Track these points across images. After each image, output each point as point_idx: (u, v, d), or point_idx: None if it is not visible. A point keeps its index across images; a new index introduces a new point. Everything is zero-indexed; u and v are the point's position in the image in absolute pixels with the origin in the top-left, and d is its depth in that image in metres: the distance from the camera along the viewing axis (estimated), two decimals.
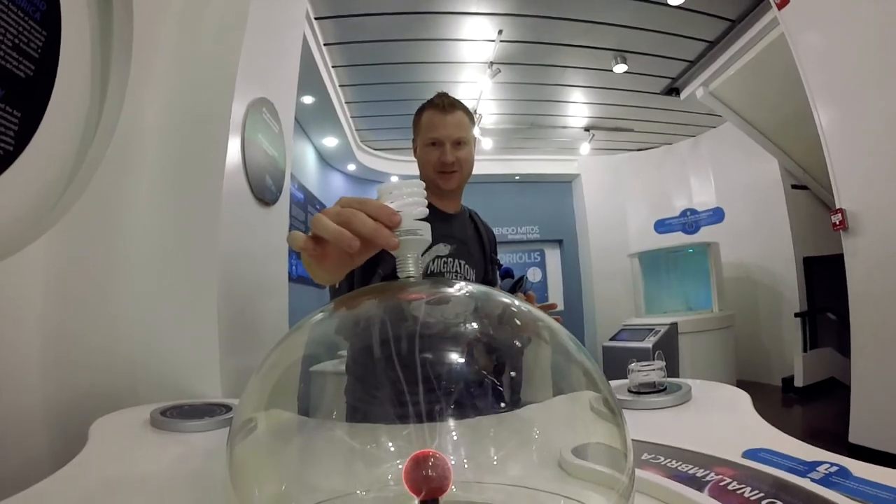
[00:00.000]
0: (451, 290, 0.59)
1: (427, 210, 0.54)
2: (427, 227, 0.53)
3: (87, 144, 1.41)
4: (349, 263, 0.61)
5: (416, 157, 1.52)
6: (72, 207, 1.33)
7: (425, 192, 0.54)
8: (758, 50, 4.52)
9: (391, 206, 0.52)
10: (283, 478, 0.50)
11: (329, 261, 0.59)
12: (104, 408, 1.24)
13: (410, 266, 0.52)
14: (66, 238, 1.37)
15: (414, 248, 0.53)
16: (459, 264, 1.44)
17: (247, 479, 0.46)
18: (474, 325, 0.51)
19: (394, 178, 6.32)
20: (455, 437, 0.45)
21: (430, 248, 1.40)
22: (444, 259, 1.42)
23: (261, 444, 0.49)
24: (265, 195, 2.08)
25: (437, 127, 1.42)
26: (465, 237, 1.52)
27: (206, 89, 1.86)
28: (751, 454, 0.72)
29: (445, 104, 1.44)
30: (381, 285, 0.60)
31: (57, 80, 1.27)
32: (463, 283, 0.58)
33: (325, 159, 6.78)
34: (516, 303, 0.53)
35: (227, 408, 1.25)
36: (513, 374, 0.47)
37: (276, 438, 0.51)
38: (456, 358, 0.47)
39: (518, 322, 0.53)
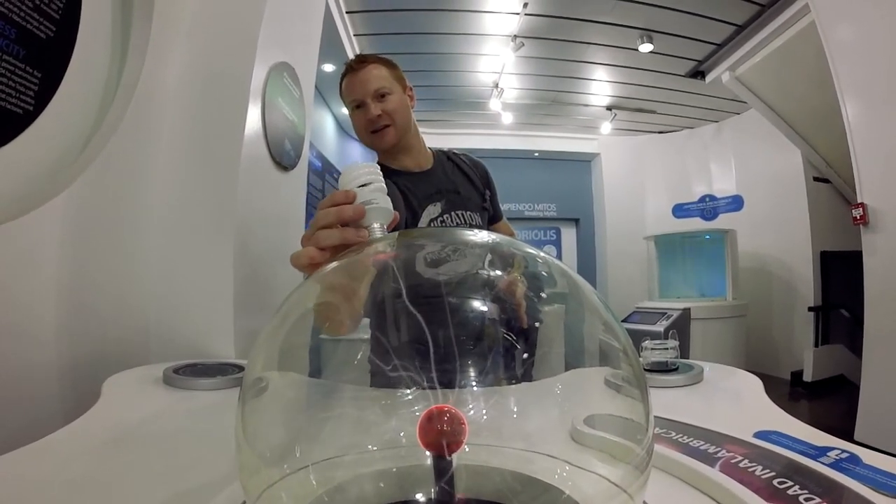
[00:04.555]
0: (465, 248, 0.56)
1: (382, 184, 0.60)
2: (380, 195, 0.60)
3: (106, 105, 1.41)
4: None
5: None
6: (89, 166, 1.34)
7: (377, 167, 0.61)
8: (787, 37, 4.38)
9: (349, 190, 0.59)
10: (294, 434, 0.50)
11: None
12: (117, 365, 1.27)
13: (376, 232, 0.59)
14: (84, 196, 1.39)
15: (373, 217, 0.59)
16: (459, 216, 1.37)
17: (257, 434, 0.46)
18: (494, 291, 0.48)
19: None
20: (472, 403, 0.44)
21: (423, 211, 1.31)
22: (441, 218, 1.34)
23: (272, 399, 0.48)
24: (284, 159, 2.08)
25: (353, 89, 1.33)
26: (452, 185, 1.42)
27: (228, 51, 1.86)
28: (762, 435, 0.72)
29: (355, 63, 1.35)
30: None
31: (77, 41, 1.27)
32: (482, 239, 0.56)
33: (343, 128, 6.73)
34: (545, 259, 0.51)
35: (240, 367, 1.26)
36: (533, 342, 0.46)
37: (287, 395, 0.51)
38: (474, 324, 0.45)
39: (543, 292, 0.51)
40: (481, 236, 0.56)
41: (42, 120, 1.18)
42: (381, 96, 1.32)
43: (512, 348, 0.44)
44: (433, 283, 0.46)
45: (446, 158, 1.48)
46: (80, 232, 1.40)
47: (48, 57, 1.19)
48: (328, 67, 4.90)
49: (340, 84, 1.38)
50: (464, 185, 1.45)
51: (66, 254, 1.35)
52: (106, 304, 1.52)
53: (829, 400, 4.78)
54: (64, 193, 1.28)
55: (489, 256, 0.51)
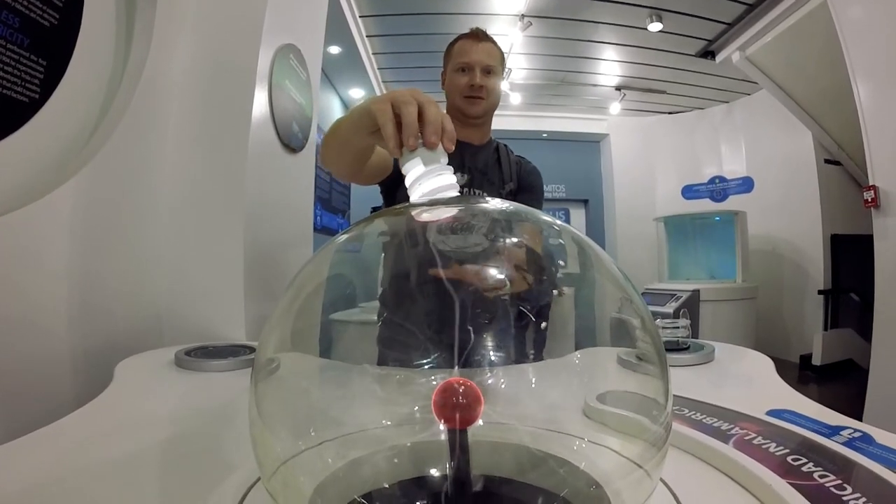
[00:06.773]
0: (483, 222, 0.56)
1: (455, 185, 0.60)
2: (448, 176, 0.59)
3: (112, 92, 1.41)
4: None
5: (443, 88, 1.52)
6: (97, 154, 1.34)
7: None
8: (798, 16, 4.30)
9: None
10: (308, 410, 0.50)
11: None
12: (130, 352, 1.27)
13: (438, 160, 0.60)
14: (91, 184, 1.38)
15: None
16: (476, 194, 1.44)
17: (271, 411, 0.46)
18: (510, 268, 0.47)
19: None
20: (487, 377, 0.44)
21: None
22: (459, 191, 1.38)
23: (286, 376, 0.48)
24: (291, 141, 2.07)
25: (468, 52, 1.44)
26: (484, 167, 1.51)
27: (234, 34, 1.84)
28: (775, 413, 0.72)
29: (480, 34, 1.47)
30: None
31: (82, 28, 1.27)
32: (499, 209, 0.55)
33: None
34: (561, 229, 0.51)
35: (251, 349, 1.27)
36: (547, 318, 0.45)
37: (301, 371, 0.51)
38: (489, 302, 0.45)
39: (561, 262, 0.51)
40: (500, 206, 0.55)
41: (48, 108, 1.17)
42: (488, 72, 1.44)
43: (527, 324, 0.44)
44: (445, 254, 0.46)
45: (495, 147, 1.57)
46: (89, 220, 1.39)
47: (52, 45, 1.18)
48: (334, 50, 4.87)
49: (452, 45, 1.50)
50: (494, 171, 1.53)
51: (75, 243, 1.35)
52: (117, 291, 1.52)
53: (837, 384, 4.77)
54: (72, 182, 1.28)
55: (504, 227, 0.51)
